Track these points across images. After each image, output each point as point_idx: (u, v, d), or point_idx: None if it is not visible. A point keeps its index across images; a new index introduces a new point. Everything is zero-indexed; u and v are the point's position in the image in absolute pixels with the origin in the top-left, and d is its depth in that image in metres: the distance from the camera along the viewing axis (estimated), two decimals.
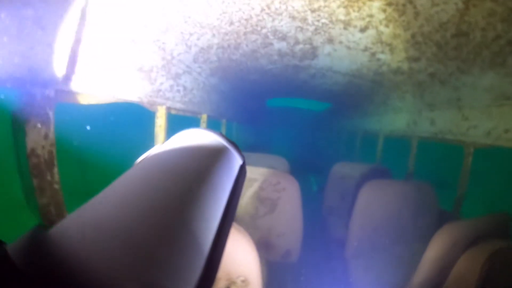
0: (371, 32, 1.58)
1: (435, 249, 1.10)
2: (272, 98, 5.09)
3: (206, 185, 0.32)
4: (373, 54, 1.87)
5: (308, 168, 6.46)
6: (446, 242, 1.07)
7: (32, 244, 0.20)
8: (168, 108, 1.89)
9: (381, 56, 1.88)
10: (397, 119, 3.03)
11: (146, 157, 0.38)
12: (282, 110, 8.74)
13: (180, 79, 1.94)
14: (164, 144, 0.41)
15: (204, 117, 2.71)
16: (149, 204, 0.26)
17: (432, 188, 2.06)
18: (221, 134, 0.43)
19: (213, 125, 3.19)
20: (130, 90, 1.47)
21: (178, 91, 1.96)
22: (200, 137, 0.42)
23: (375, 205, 1.87)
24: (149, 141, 1.88)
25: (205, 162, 0.36)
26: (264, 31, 1.62)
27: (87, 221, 0.24)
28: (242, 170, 0.42)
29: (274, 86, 3.42)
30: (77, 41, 1.04)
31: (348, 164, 2.90)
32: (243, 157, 0.44)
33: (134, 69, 1.47)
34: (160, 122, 1.84)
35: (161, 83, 1.72)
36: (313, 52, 1.96)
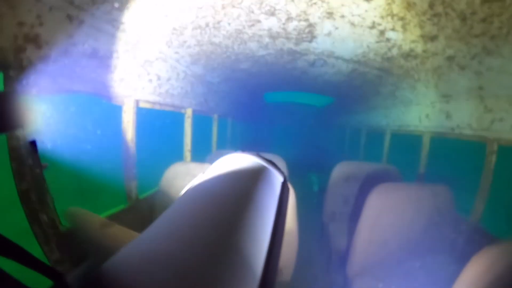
0: (379, 1, 1.27)
1: (472, 279, 0.80)
2: (269, 92, 4.77)
3: (251, 208, 0.33)
4: (382, 33, 1.56)
5: (309, 167, 6.21)
6: (488, 272, 0.78)
7: (90, 277, 0.21)
8: (137, 101, 1.60)
9: (392, 34, 1.56)
10: (407, 112, 2.73)
11: (190, 187, 0.39)
12: (282, 105, 8.41)
13: (151, 66, 1.63)
14: (206, 172, 0.41)
15: (188, 112, 2.41)
16: (199, 233, 0.27)
17: (450, 193, 1.76)
18: (258, 155, 0.45)
19: (202, 121, 2.92)
20: (81, 79, 1.19)
21: (150, 80, 1.66)
22: (239, 161, 0.43)
23: (386, 213, 1.56)
24: (116, 138, 1.60)
25: (247, 186, 0.37)
26: (246, 3, 1.32)
27: (141, 254, 0.24)
28: (284, 187, 0.43)
29: (269, 77, 3.11)
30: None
31: (352, 164, 2.59)
32: (283, 174, 0.45)
33: (84, 55, 1.17)
34: (128, 117, 1.55)
35: (124, 71, 1.42)
36: (310, 31, 1.65)
